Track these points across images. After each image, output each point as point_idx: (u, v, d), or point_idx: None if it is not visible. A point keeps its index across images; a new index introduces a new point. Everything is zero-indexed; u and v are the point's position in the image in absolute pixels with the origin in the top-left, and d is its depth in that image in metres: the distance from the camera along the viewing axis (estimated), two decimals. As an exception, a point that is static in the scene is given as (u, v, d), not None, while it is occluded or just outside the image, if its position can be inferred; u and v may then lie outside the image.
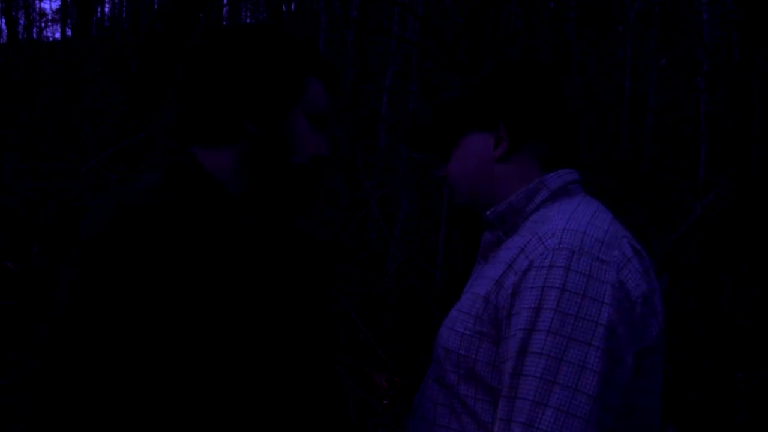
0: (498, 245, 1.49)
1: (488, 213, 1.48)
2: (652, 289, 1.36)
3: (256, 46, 1.37)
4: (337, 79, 1.45)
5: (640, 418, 1.37)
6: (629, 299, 1.31)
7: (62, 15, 19.85)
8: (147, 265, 1.20)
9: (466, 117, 1.53)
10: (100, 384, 1.18)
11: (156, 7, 14.48)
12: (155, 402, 1.22)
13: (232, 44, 1.37)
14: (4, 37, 17.03)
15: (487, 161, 1.50)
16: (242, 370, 1.27)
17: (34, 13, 19.35)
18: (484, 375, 1.34)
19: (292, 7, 20.12)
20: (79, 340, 1.18)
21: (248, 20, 24.47)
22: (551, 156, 1.49)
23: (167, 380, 1.22)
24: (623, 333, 1.28)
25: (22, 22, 17.36)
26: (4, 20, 15.83)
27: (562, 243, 1.31)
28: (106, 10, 25.42)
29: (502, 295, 1.34)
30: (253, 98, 1.35)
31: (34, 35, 18.62)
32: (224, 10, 18.41)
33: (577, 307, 1.26)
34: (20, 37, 16.04)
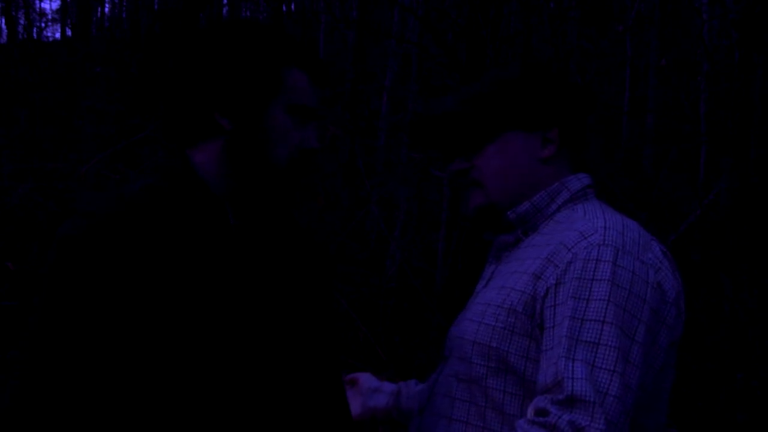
0: (515, 245, 1.50)
1: (509, 213, 1.49)
2: (681, 291, 1.40)
3: (227, 41, 1.35)
4: (323, 68, 1.41)
5: (655, 416, 1.40)
6: (665, 301, 1.35)
7: (62, 15, 19.86)
8: (113, 269, 1.21)
9: (512, 114, 1.50)
10: (68, 379, 1.20)
11: (156, 7, 14.47)
12: (125, 404, 1.22)
13: (205, 41, 1.37)
14: (4, 37, 17.00)
15: (532, 161, 1.50)
16: (219, 371, 1.26)
17: (34, 13, 19.30)
18: (518, 366, 1.35)
19: (292, 7, 20.11)
20: (49, 337, 1.21)
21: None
22: (578, 158, 1.53)
23: (138, 381, 1.22)
24: (662, 333, 1.34)
25: (22, 22, 17.35)
26: (4, 20, 15.82)
27: (607, 240, 1.33)
28: (106, 10, 25.41)
29: (541, 286, 1.35)
30: (223, 92, 1.33)
31: (34, 35, 18.61)
32: (224, 10, 18.40)
33: (624, 301, 1.28)
34: (20, 37, 16.02)
